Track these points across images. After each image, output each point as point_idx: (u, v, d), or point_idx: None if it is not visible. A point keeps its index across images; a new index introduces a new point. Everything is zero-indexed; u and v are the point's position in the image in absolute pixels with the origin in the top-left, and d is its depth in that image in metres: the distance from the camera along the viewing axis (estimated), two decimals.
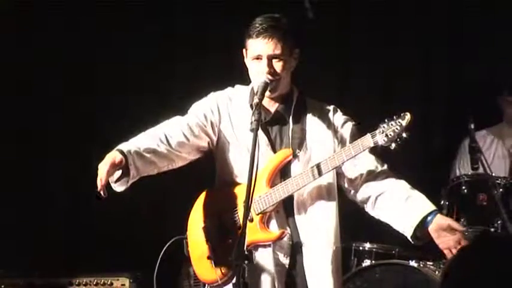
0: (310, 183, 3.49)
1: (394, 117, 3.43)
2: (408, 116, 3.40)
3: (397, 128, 3.39)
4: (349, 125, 3.66)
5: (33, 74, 5.71)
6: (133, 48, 5.75)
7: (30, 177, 5.76)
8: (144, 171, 3.48)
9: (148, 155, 3.47)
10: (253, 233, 3.47)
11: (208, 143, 3.61)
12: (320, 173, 3.47)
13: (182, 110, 3.70)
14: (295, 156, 3.54)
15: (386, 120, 3.43)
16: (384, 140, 3.39)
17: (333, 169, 3.48)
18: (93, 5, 5.67)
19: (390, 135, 3.39)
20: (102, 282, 5.12)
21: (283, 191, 3.49)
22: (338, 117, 3.66)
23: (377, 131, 3.42)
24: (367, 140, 3.42)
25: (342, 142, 3.61)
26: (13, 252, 5.49)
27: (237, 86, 3.69)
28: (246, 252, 3.00)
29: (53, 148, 5.78)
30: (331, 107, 3.68)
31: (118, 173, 3.43)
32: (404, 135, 3.37)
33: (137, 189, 5.62)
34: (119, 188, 3.49)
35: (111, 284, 5.12)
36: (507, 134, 5.43)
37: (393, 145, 3.39)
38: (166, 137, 3.53)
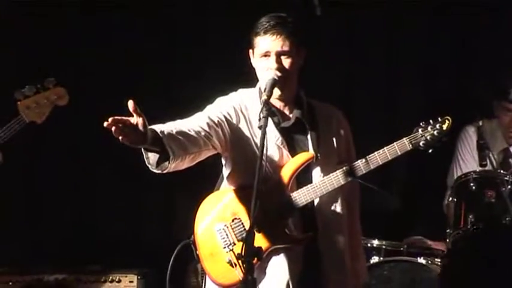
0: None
1: (431, 121, 3.45)
2: (449, 121, 3.43)
3: (437, 133, 3.41)
4: (349, 132, 3.67)
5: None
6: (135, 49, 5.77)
7: (38, 175, 5.78)
8: (178, 155, 3.27)
9: (181, 138, 3.29)
10: (278, 237, 3.44)
11: (221, 142, 3.48)
12: (353, 176, 3.46)
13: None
14: (317, 159, 3.50)
15: (422, 124, 3.44)
16: (423, 144, 3.41)
17: (366, 172, 3.45)
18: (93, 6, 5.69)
19: (430, 139, 3.41)
20: (110, 279, 5.14)
21: (314, 192, 3.46)
22: (345, 123, 3.67)
23: (415, 135, 3.43)
24: (404, 144, 3.43)
25: (348, 149, 3.63)
26: (22, 249, 5.51)
27: (241, 90, 3.63)
28: (255, 249, 2.99)
29: (59, 147, 5.79)
30: (339, 112, 3.68)
31: (155, 156, 3.28)
32: (443, 139, 3.40)
33: (145, 188, 5.74)
34: (159, 171, 3.33)
35: (119, 280, 5.14)
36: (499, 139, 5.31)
37: (430, 150, 3.41)
38: (191, 125, 3.40)
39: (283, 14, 3.52)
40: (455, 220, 4.66)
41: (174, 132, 3.28)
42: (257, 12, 3.57)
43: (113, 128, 3.05)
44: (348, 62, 5.85)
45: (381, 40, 5.85)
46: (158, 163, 3.29)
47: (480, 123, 4.75)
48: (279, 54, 3.45)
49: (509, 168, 4.98)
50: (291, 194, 3.47)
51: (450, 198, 4.78)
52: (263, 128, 3.16)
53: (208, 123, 3.43)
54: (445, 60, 5.79)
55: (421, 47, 5.80)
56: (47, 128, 5.72)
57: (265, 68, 3.47)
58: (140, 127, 3.10)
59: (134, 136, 3.10)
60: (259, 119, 3.22)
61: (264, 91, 3.37)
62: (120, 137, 3.08)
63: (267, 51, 3.46)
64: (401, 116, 5.66)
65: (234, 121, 3.51)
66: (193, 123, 3.41)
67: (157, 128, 3.24)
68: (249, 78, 3.63)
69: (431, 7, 5.74)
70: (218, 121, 3.46)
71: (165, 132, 3.24)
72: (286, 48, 3.45)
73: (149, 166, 3.31)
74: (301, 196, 3.46)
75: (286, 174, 3.48)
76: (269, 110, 3.26)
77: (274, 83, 3.39)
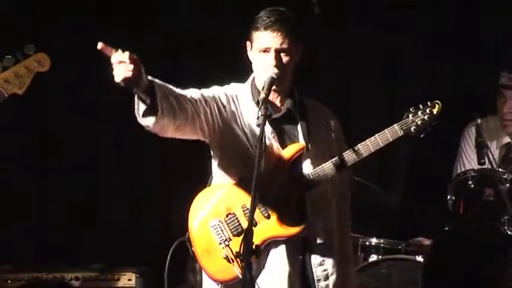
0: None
1: (421, 106, 3.46)
2: (439, 105, 3.44)
3: (427, 117, 3.43)
4: (339, 127, 3.68)
5: None
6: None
7: (38, 174, 5.78)
8: (167, 115, 3.22)
9: (172, 99, 3.26)
10: (273, 229, 3.43)
11: (208, 123, 3.44)
12: (344, 165, 3.46)
13: None
14: (307, 150, 3.50)
15: (412, 110, 3.45)
16: (414, 130, 3.42)
17: (358, 161, 3.45)
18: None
19: (421, 124, 3.42)
20: (108, 278, 5.13)
21: (307, 184, 3.46)
22: (336, 120, 3.67)
23: (406, 121, 3.44)
24: (395, 130, 3.43)
25: (339, 144, 3.62)
26: (19, 247, 5.50)
27: (233, 84, 3.63)
28: (253, 247, 2.99)
29: (59, 145, 5.78)
30: (329, 111, 3.68)
31: (144, 107, 3.22)
32: (434, 124, 3.41)
33: (144, 186, 5.74)
34: (144, 122, 3.25)
35: (118, 279, 5.14)
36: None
37: (422, 135, 3.42)
38: (184, 94, 3.38)
39: (283, 9, 3.51)
40: (452, 218, 4.67)
41: (167, 93, 3.25)
42: (257, 8, 3.57)
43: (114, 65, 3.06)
44: (348, 61, 5.87)
45: (381, 38, 5.85)
46: (145, 115, 3.23)
47: (479, 121, 4.75)
48: (278, 51, 3.44)
49: (511, 163, 4.98)
50: (286, 186, 3.46)
51: (449, 196, 4.79)
52: (261, 126, 3.14)
53: (199, 99, 3.41)
54: (446, 57, 5.80)
55: (422, 44, 5.81)
56: (46, 127, 5.79)
57: (263, 64, 3.46)
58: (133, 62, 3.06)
59: (131, 71, 3.06)
60: (258, 117, 3.19)
61: (262, 89, 3.36)
62: (118, 73, 3.06)
63: (266, 47, 3.45)
64: (401, 113, 5.66)
65: (225, 106, 3.50)
66: (187, 94, 3.39)
67: (157, 82, 3.21)
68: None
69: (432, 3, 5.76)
70: (209, 103, 3.45)
71: (161, 89, 3.21)
72: (285, 45, 3.44)
73: (136, 116, 3.24)
74: (294, 188, 3.46)
75: (278, 166, 3.47)
76: (267, 108, 3.24)
77: (273, 82, 3.38)
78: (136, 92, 3.19)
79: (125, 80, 3.08)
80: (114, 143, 5.79)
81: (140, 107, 3.23)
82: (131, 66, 3.07)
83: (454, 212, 4.74)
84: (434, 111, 3.44)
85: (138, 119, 3.26)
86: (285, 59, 3.45)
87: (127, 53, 3.08)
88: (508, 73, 4.96)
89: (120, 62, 3.07)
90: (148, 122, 3.24)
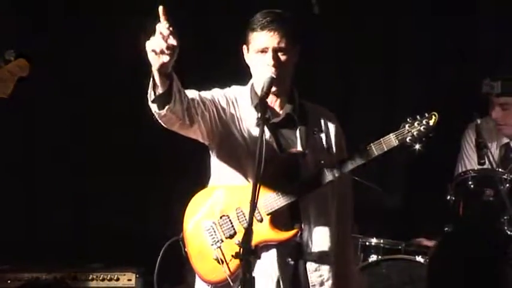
0: None
1: (418, 117, 3.42)
2: (435, 117, 3.40)
3: (423, 128, 3.38)
4: (341, 132, 3.65)
5: None
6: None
7: (36, 173, 5.78)
8: (176, 109, 3.23)
9: (183, 97, 3.26)
10: (264, 233, 3.42)
11: (206, 125, 3.44)
12: (342, 171, 3.43)
13: None
14: (305, 155, 3.49)
15: (409, 120, 3.42)
16: (409, 140, 3.39)
17: (354, 168, 3.43)
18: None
19: (416, 135, 3.39)
20: (108, 278, 5.13)
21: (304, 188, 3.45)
22: (337, 124, 3.64)
23: (402, 131, 3.40)
24: (391, 140, 3.40)
25: (339, 149, 3.60)
26: (19, 247, 5.51)
27: (234, 87, 3.61)
28: (252, 248, 2.99)
29: (58, 145, 5.79)
30: (331, 114, 3.66)
31: (152, 94, 3.21)
32: (430, 135, 3.38)
33: (145, 186, 5.74)
34: (153, 108, 3.24)
35: (118, 279, 5.14)
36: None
37: (417, 146, 3.39)
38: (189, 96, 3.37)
39: (279, 11, 3.50)
40: (453, 218, 4.67)
41: (183, 92, 3.25)
42: (255, 10, 3.57)
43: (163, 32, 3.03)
44: (348, 61, 5.87)
45: (381, 38, 5.86)
46: (154, 103, 3.22)
47: (478, 121, 4.75)
48: (276, 51, 3.42)
49: (510, 163, 4.99)
50: (281, 191, 3.44)
51: (449, 196, 4.79)
52: (261, 126, 3.14)
53: (197, 101, 3.39)
54: (446, 57, 5.80)
55: (422, 44, 5.81)
56: (43, 126, 5.79)
57: (261, 64, 3.44)
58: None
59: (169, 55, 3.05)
60: (257, 118, 3.21)
61: (262, 90, 3.35)
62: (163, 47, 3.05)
63: (264, 47, 3.43)
64: (400, 116, 5.66)
65: (225, 109, 3.49)
66: (189, 96, 3.37)
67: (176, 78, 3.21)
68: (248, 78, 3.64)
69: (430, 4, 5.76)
70: (208, 105, 3.43)
71: (178, 84, 3.20)
72: (283, 44, 3.42)
73: (148, 97, 3.22)
74: (290, 192, 3.44)
75: (275, 170, 3.43)
76: (265, 110, 3.24)
77: (271, 82, 3.37)
78: (155, 74, 3.14)
79: (153, 51, 3.07)
80: (114, 143, 5.79)
81: (152, 93, 3.21)
82: (164, 44, 3.05)
83: (454, 212, 4.74)
84: (431, 122, 3.40)
85: (149, 102, 3.23)
86: (283, 58, 3.43)
87: (168, 31, 3.04)
88: (490, 80, 4.94)
89: (160, 34, 3.05)
90: (157, 108, 3.23)
